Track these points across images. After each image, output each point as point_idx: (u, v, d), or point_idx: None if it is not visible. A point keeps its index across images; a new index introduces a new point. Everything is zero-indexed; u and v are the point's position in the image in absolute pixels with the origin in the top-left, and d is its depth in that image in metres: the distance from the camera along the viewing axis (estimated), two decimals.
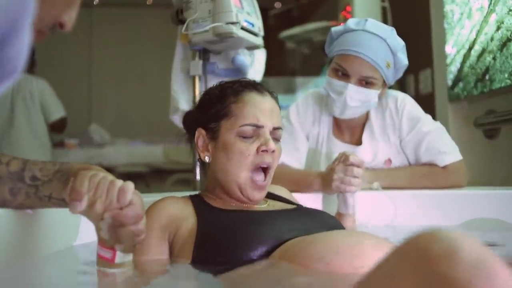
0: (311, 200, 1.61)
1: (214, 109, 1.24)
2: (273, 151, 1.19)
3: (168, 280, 1.04)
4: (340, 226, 1.20)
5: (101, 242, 0.95)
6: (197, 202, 1.21)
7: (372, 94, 1.69)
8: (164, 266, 1.10)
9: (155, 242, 1.12)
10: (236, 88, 1.25)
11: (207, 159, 1.25)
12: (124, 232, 0.92)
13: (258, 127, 1.19)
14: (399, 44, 1.67)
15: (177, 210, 1.17)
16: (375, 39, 1.64)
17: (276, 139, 1.23)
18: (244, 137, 1.19)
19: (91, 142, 5.33)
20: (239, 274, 0.97)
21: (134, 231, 0.92)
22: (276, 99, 1.28)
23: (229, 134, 1.20)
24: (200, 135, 1.25)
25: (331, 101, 1.73)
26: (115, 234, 0.92)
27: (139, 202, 0.93)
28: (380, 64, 1.64)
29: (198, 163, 2.04)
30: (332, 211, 1.53)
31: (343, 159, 1.52)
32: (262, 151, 1.18)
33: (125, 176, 5.02)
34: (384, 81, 1.71)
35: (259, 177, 1.20)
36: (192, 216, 1.15)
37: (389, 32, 1.66)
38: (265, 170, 1.21)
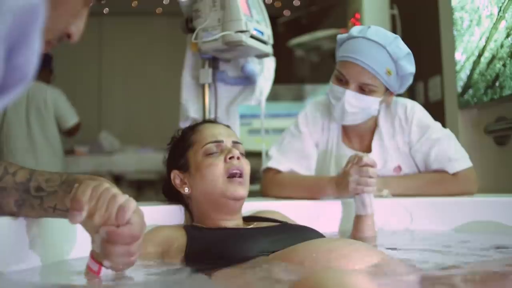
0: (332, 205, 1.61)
1: (179, 147, 1.39)
2: (238, 157, 1.30)
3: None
4: (322, 237, 1.25)
5: (92, 254, 0.94)
6: (188, 228, 1.31)
7: (371, 101, 1.68)
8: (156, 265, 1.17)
9: (150, 257, 1.20)
10: (192, 126, 1.44)
11: (186, 190, 1.36)
12: (116, 250, 0.89)
13: (218, 141, 1.33)
14: (402, 51, 1.65)
15: (171, 232, 1.29)
16: (374, 46, 1.64)
17: (239, 152, 1.34)
18: (209, 154, 1.32)
19: (101, 149, 5.34)
20: (226, 270, 1.05)
21: (127, 251, 0.89)
22: (229, 128, 1.44)
23: (197, 157, 1.33)
24: (175, 175, 1.38)
25: (332, 107, 1.74)
26: (107, 250, 0.89)
27: (138, 223, 0.90)
28: (379, 71, 1.63)
29: None
30: (351, 215, 1.55)
31: (356, 160, 1.52)
32: (230, 158, 1.30)
33: (135, 183, 5.04)
34: (387, 89, 1.71)
35: (236, 177, 1.30)
36: (183, 236, 1.25)
37: (391, 40, 1.65)
38: (240, 177, 1.31)
